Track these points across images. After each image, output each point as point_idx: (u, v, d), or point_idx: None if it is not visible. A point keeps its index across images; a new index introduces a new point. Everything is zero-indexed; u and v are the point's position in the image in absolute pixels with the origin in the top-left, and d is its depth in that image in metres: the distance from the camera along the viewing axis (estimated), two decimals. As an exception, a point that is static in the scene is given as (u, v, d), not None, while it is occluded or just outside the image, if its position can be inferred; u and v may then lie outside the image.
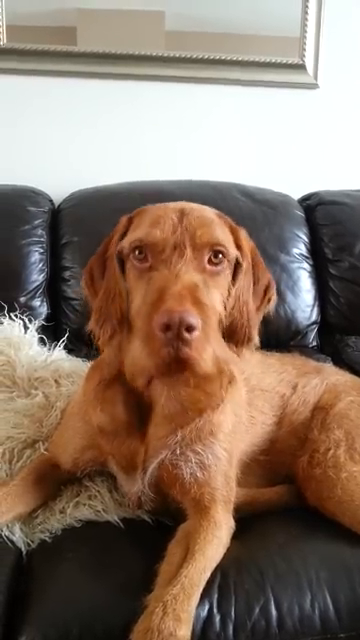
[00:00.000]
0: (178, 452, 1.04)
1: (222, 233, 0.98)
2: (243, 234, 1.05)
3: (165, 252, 0.93)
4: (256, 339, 1.03)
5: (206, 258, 0.95)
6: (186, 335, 0.84)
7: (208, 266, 0.95)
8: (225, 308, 0.98)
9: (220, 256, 0.96)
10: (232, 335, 1.00)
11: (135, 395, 1.07)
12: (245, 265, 1.02)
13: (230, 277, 1.00)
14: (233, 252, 1.00)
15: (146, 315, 0.88)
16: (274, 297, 1.09)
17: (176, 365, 0.87)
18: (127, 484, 1.10)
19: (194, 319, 0.84)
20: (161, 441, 1.05)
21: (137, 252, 0.96)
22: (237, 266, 1.01)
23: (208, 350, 0.88)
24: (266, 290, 1.07)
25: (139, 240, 0.95)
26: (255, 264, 1.06)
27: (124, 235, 1.01)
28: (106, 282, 1.03)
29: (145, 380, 1.03)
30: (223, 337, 1.01)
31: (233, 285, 1.00)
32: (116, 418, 1.08)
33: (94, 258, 1.08)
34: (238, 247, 1.02)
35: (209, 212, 1.01)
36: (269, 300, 1.08)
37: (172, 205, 1.00)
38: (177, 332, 0.84)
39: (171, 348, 0.85)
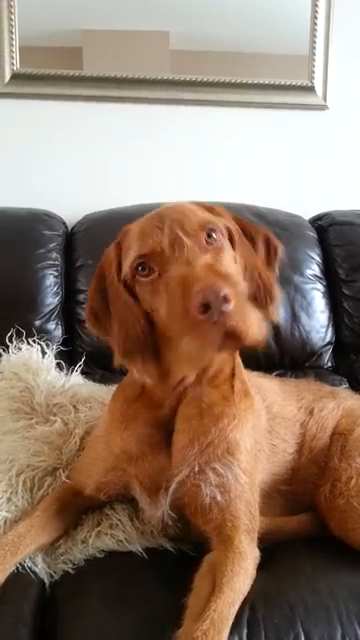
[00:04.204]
0: (197, 469, 1.03)
1: (203, 213, 0.99)
2: (221, 208, 1.05)
3: (165, 252, 0.92)
4: (279, 296, 1.01)
5: (203, 240, 0.94)
6: (226, 307, 0.80)
7: (208, 246, 0.94)
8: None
9: (213, 234, 0.95)
10: (255, 300, 0.98)
11: (160, 412, 1.06)
12: (234, 231, 1.02)
13: (232, 249, 0.99)
14: (222, 224, 0.99)
15: (180, 310, 0.85)
16: (280, 246, 1.07)
17: (227, 341, 0.83)
18: (150, 508, 1.08)
19: (226, 289, 0.81)
20: (181, 453, 1.04)
21: (141, 269, 0.94)
22: (232, 238, 1.01)
23: (251, 316, 0.85)
24: (267, 243, 1.06)
25: (138, 257, 0.94)
26: (243, 227, 1.06)
27: (119, 265, 1.00)
28: (117, 315, 1.00)
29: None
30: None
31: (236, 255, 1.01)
32: (141, 436, 1.07)
33: (92, 297, 1.06)
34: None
35: (183, 204, 1.02)
36: (275, 250, 1.06)
37: (149, 215, 0.99)
38: (217, 306, 0.80)
39: (217, 326, 0.81)
